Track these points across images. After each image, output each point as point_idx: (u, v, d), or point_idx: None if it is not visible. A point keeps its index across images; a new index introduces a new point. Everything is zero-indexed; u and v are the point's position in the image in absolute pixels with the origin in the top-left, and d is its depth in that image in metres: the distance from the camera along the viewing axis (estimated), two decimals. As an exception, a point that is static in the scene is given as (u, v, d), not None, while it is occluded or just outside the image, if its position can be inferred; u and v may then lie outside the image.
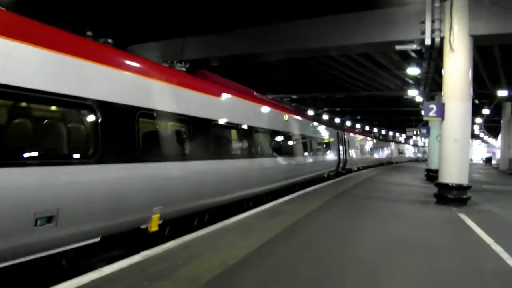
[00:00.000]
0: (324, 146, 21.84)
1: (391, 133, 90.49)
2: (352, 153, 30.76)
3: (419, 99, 29.84)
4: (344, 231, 8.18)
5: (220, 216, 9.16)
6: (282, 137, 14.37)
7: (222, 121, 9.79)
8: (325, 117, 48.21)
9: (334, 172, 24.26)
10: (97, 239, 5.68)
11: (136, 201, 6.42)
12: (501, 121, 41.89)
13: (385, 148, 52.01)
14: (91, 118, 5.81)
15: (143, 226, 6.64)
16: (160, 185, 7.02)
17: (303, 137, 17.05)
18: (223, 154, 9.78)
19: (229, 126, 10.33)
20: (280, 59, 22.04)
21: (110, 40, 6.97)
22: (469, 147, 13.28)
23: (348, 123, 60.77)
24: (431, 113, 13.38)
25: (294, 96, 39.54)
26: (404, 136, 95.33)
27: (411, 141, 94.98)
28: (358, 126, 67.09)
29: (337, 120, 54.40)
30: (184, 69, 8.91)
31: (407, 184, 20.62)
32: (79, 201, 5.29)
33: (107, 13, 16.27)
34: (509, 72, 23.33)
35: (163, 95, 7.33)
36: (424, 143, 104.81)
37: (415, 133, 47.75)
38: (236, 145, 10.63)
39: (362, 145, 36.19)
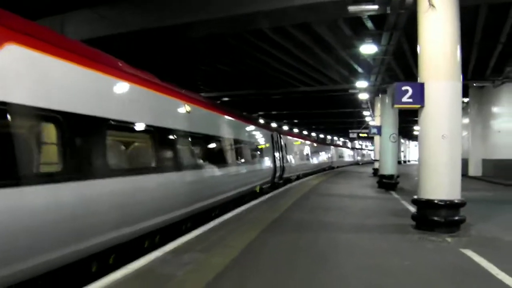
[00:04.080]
0: (254, 152, 17.08)
1: (329, 136, 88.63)
2: (291, 159, 26.35)
3: (362, 96, 26.40)
4: None
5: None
6: (186, 140, 9.69)
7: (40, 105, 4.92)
8: (260, 121, 44.34)
9: (269, 184, 19.63)
10: None
11: None
12: (469, 112, 30.08)
13: (326, 153, 48.41)
14: None
15: None
16: None
17: (220, 140, 12.30)
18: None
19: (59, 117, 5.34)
20: (200, 36, 16.92)
21: None
22: (460, 146, 9.15)
23: (285, 128, 57.41)
24: (406, 99, 9.10)
25: (225, 98, 35.29)
26: (342, 139, 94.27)
27: (349, 144, 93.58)
28: (295, 130, 64.09)
29: (274, 125, 50.80)
30: None
31: (361, 196, 16.40)
32: None
33: None
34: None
35: None
36: (361, 145, 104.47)
37: (360, 135, 44.81)
38: (71, 153, 5.63)
39: (302, 150, 31.96)
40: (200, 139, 10.67)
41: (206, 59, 22.06)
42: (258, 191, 16.89)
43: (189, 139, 9.99)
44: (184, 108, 9.53)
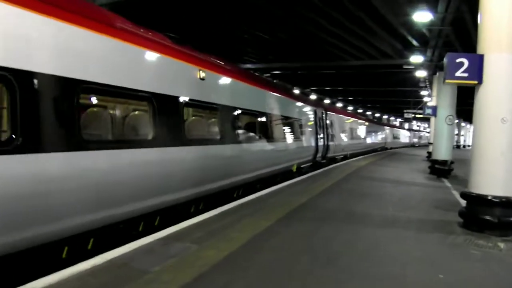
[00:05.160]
0: (290, 128, 15.68)
1: (385, 116, 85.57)
2: (337, 137, 24.78)
3: (420, 74, 24.52)
4: None
5: None
6: (195, 110, 8.83)
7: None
8: (313, 97, 42.89)
9: (310, 163, 18.32)
10: None
11: None
12: None
13: (379, 133, 46.26)
14: None
15: None
16: None
17: (251, 113, 11.20)
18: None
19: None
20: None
21: None
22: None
23: (339, 105, 55.56)
24: (460, 73, 7.59)
25: (276, 71, 34.08)
26: (399, 120, 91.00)
27: (406, 125, 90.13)
28: (350, 108, 62.03)
29: (327, 101, 49.22)
30: None
31: (407, 182, 14.86)
32: None
33: None
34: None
35: None
36: (419, 127, 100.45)
37: (414, 116, 42.41)
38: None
39: (351, 128, 30.18)
40: (214, 110, 9.50)
41: (248, 28, 20.79)
42: (294, 170, 15.68)
43: (200, 109, 8.93)
44: (197, 74, 8.38)
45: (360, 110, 68.04)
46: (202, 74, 8.52)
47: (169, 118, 7.33)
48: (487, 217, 7.21)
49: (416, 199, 11.09)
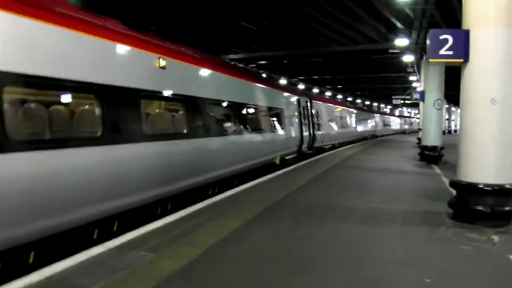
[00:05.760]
0: (273, 118, 15.02)
1: (375, 103, 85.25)
2: (324, 127, 24.07)
3: (407, 59, 23.98)
4: None
5: None
6: (151, 102, 8.30)
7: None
8: (301, 87, 42.25)
9: (295, 154, 17.64)
10: None
11: None
12: None
13: (368, 120, 45.63)
14: None
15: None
16: None
17: (225, 104, 10.59)
18: None
19: None
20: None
21: None
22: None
23: (328, 94, 55.01)
24: (444, 51, 6.97)
25: (261, 61, 33.35)
26: (389, 106, 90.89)
27: (396, 112, 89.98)
28: (339, 96, 61.54)
29: (316, 90, 48.67)
30: None
31: (395, 171, 14.25)
32: None
33: None
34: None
35: None
36: (410, 113, 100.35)
37: (402, 101, 41.92)
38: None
39: (339, 117, 29.45)
40: (179, 101, 8.78)
41: (232, 16, 20.05)
42: (278, 163, 15.00)
43: (162, 101, 8.38)
44: (156, 62, 7.63)
45: (349, 99, 67.57)
46: (163, 63, 7.76)
47: (119, 111, 6.55)
48: (479, 207, 6.66)
49: (404, 189, 10.50)
